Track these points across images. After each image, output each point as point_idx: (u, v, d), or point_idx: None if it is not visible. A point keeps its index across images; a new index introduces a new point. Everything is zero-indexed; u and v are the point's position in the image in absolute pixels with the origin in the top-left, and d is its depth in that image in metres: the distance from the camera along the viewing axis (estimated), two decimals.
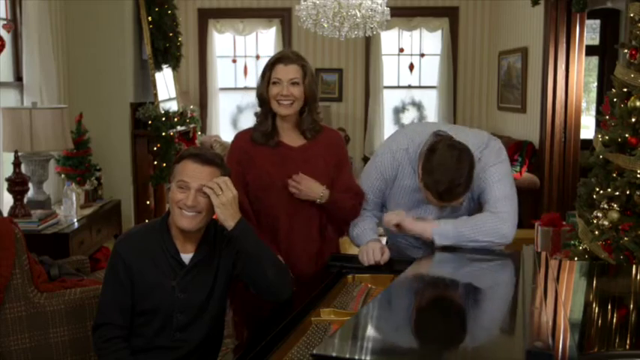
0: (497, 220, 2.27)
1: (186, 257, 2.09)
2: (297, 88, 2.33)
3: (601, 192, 3.24)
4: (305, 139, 2.42)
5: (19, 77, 4.31)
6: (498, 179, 2.33)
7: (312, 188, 2.35)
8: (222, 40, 8.29)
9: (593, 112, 7.96)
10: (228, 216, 2.00)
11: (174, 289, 2.05)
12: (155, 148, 5.02)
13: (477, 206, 2.40)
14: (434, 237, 2.26)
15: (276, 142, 2.39)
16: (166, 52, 5.46)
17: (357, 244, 2.48)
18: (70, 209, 3.93)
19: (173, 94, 5.95)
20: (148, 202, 5.11)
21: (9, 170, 3.73)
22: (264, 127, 2.38)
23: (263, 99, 2.38)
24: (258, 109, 2.42)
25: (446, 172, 2.17)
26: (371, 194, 2.49)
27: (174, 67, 5.84)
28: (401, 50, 8.39)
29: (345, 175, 2.47)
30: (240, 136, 2.47)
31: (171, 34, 5.51)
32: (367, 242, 2.39)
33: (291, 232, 2.39)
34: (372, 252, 2.32)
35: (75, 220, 3.90)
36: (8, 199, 3.76)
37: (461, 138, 2.32)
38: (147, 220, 4.98)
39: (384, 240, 2.59)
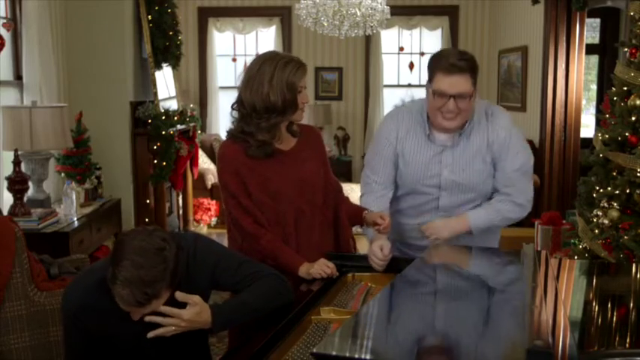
0: (518, 208, 2.46)
1: None
2: None
3: (601, 190, 3.24)
4: (293, 137, 2.35)
5: (18, 76, 4.31)
6: (517, 152, 2.45)
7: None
8: (222, 39, 8.28)
9: (593, 111, 7.96)
10: (202, 325, 1.79)
11: (142, 330, 1.78)
12: (155, 147, 5.01)
13: (491, 171, 2.47)
14: (472, 228, 2.43)
15: (272, 151, 2.28)
16: (166, 50, 5.44)
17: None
18: (69, 208, 3.93)
19: (173, 93, 5.94)
20: (147, 201, 5.11)
21: (9, 169, 3.73)
22: (270, 145, 2.26)
23: (280, 105, 2.20)
24: (261, 122, 2.22)
25: (452, 51, 2.39)
26: (382, 171, 2.52)
27: (174, 66, 5.83)
28: (401, 49, 8.39)
29: (330, 172, 2.47)
30: (231, 148, 2.29)
31: (171, 33, 5.50)
32: (370, 244, 2.36)
33: (300, 235, 2.32)
34: (374, 257, 2.28)
35: (75, 218, 3.90)
36: (8, 198, 3.76)
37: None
38: (147, 220, 4.99)
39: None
